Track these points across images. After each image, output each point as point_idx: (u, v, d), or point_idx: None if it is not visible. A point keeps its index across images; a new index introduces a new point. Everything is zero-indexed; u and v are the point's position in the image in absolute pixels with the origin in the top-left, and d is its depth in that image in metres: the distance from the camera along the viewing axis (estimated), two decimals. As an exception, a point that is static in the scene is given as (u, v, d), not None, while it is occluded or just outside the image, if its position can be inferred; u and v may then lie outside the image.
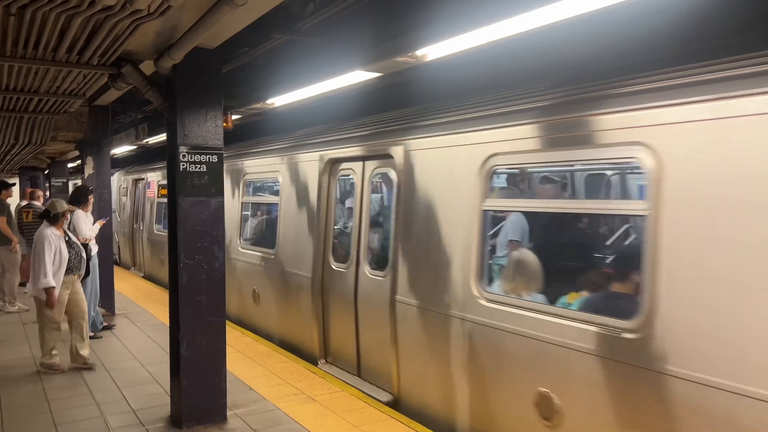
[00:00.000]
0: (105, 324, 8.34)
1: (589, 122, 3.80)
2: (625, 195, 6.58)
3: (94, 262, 7.74)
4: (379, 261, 6.06)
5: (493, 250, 5.63)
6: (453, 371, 4.82)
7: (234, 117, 7.29)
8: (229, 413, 5.16)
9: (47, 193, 16.46)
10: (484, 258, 4.67)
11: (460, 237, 4.75)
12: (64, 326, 6.64)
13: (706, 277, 3.10)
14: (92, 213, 8.18)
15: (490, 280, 4.89)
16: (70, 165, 15.67)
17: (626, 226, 6.11)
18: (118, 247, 16.08)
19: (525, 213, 5.51)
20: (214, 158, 4.99)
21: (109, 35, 4.21)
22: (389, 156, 5.66)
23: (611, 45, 4.17)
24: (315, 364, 6.76)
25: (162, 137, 7.84)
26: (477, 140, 4.65)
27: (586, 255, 5.60)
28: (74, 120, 9.49)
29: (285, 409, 5.34)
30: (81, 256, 6.72)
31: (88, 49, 4.54)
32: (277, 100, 6.44)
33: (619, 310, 3.66)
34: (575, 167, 6.42)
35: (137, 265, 14.65)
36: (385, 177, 6.35)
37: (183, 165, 4.87)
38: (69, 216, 6.80)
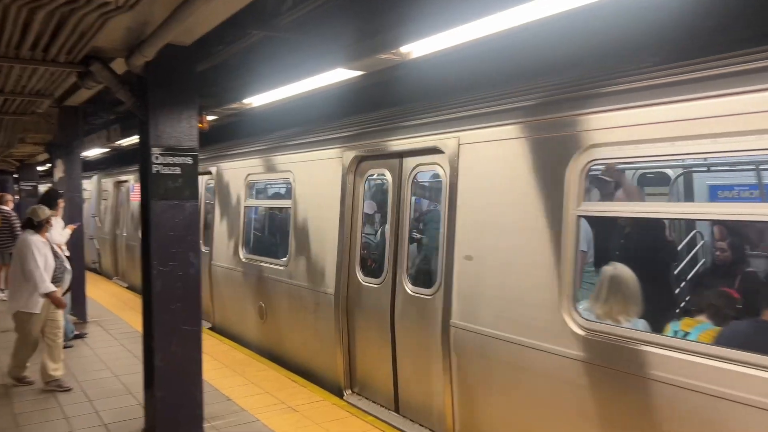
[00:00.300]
0: (76, 333, 8.04)
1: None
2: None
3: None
4: (423, 275, 5.29)
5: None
6: (531, 415, 3.92)
7: (210, 118, 7.07)
8: (205, 425, 4.96)
9: (17, 197, 16.00)
10: (577, 275, 3.72)
11: (538, 249, 3.85)
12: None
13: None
14: (62, 218, 7.90)
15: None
16: (40, 168, 15.26)
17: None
18: (99, 254, 15.14)
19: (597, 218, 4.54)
20: (189, 160, 4.79)
21: (75, 30, 4.01)
22: (436, 150, 4.79)
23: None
24: (337, 394, 5.82)
25: (135, 139, 7.60)
26: (570, 129, 3.71)
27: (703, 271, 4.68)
28: (43, 121, 9.18)
29: (264, 420, 5.15)
30: (65, 267, 6.42)
31: (53, 45, 4.33)
32: (256, 100, 6.26)
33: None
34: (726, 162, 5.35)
35: (120, 274, 13.64)
36: (429, 176, 5.60)
37: (156, 167, 4.66)
38: (53, 223, 6.50)
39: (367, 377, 5.69)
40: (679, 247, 5.82)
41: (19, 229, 9.35)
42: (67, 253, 7.61)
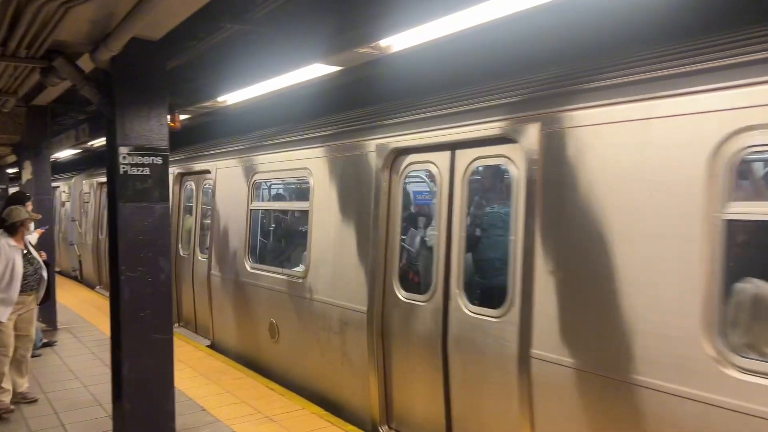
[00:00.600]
0: (45, 340, 7.75)
1: None
2: None
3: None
4: (483, 292, 4.59)
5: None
6: None
7: (182, 117, 6.83)
8: (178, 438, 4.74)
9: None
10: (719, 297, 2.89)
11: (663, 262, 3.06)
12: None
13: None
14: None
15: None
16: (10, 171, 14.79)
17: None
18: (80, 261, 14.08)
19: None
20: (159, 160, 4.57)
21: (34, 22, 3.78)
22: (507, 140, 4.00)
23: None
24: (368, 429, 5.06)
25: (104, 140, 7.32)
26: (712, 107, 2.93)
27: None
28: (10, 121, 8.81)
29: (240, 431, 4.94)
30: (41, 275, 5.93)
31: (12, 38, 4.09)
32: (230, 98, 6.04)
33: None
34: None
35: (104, 283, 12.47)
36: (492, 171, 4.87)
37: (123, 168, 4.43)
38: (30, 226, 6.03)
39: (408, 413, 4.82)
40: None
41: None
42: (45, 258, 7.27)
